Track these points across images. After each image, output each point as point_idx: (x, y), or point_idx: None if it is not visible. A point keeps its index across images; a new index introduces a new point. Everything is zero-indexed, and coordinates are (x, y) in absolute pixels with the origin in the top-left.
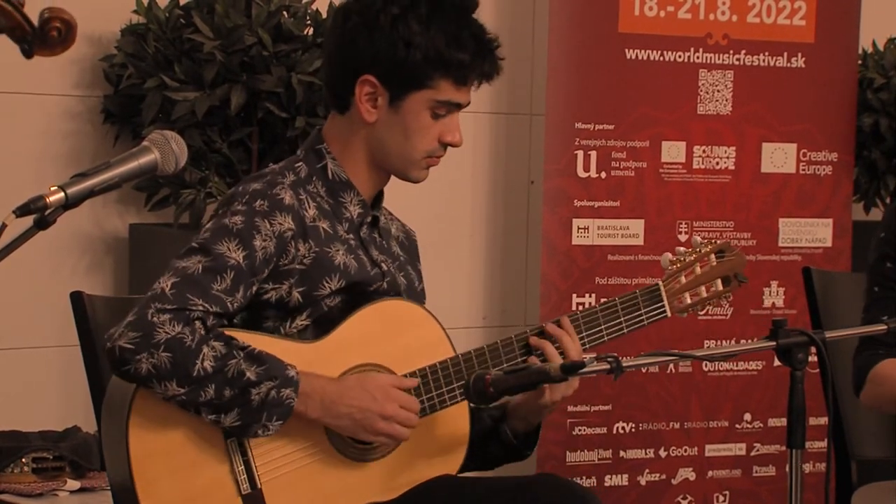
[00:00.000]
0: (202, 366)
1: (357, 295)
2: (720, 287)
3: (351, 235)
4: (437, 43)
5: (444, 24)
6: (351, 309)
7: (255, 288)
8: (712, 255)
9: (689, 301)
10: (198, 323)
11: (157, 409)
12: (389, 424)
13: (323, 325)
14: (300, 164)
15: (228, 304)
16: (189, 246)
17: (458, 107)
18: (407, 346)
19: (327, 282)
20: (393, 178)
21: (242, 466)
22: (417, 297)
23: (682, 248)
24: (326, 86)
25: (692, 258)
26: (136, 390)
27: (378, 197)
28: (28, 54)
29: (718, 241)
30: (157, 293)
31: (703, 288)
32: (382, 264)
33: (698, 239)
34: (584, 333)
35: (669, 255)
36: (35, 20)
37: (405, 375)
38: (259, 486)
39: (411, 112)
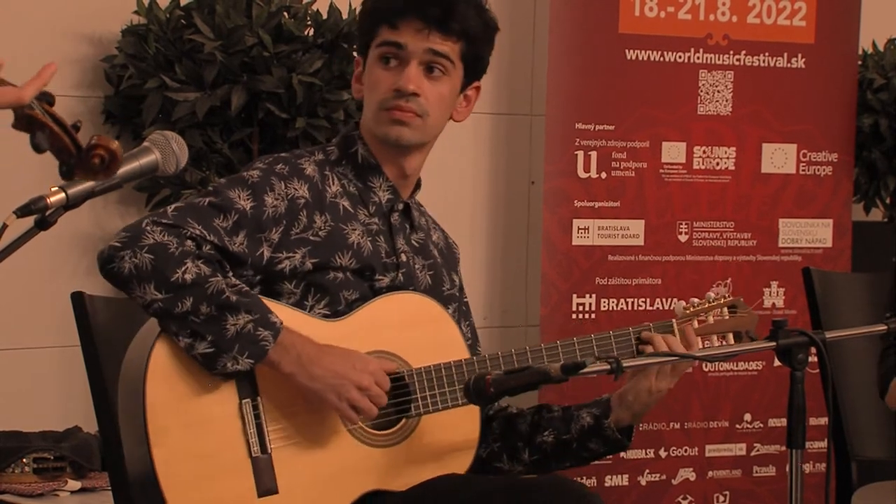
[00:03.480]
0: (182, 276)
1: (370, 284)
2: (731, 341)
3: (375, 220)
4: None
5: None
6: (368, 297)
7: (266, 250)
8: (725, 309)
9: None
10: (189, 241)
11: (175, 364)
12: (361, 396)
13: (341, 314)
14: (332, 148)
15: (227, 241)
16: (203, 189)
17: (397, 46)
18: (422, 340)
19: (339, 257)
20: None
21: (254, 429)
22: (441, 299)
23: (696, 300)
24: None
25: (706, 307)
26: (156, 340)
27: (415, 189)
28: (67, 176)
29: (731, 297)
30: (159, 212)
31: (714, 338)
32: (403, 255)
33: (712, 294)
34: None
35: (683, 304)
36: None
37: (418, 369)
38: (269, 450)
39: (369, 70)
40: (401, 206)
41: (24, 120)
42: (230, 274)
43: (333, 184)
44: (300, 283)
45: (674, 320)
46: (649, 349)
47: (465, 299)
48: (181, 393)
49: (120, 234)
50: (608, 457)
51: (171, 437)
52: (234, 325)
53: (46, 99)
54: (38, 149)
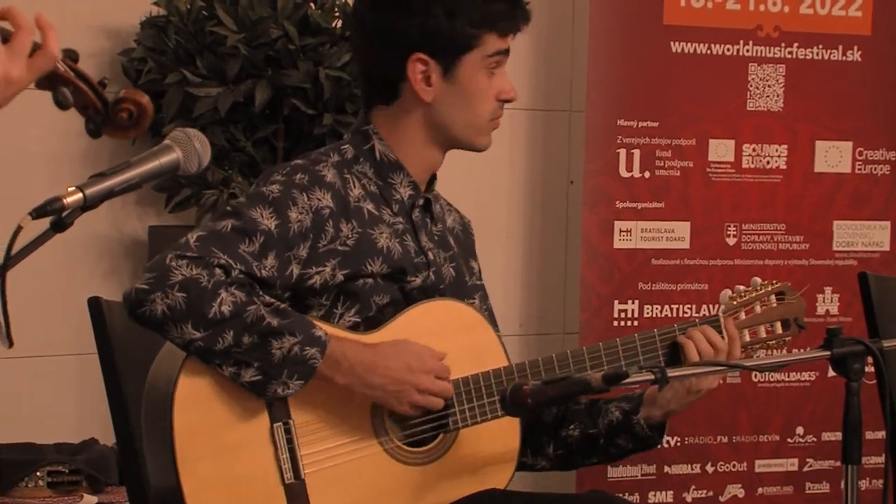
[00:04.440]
0: (219, 308)
1: (401, 286)
2: (779, 330)
3: (399, 219)
4: (475, 2)
5: None
6: (401, 311)
7: (295, 268)
8: (773, 296)
9: (748, 339)
10: (218, 270)
11: (203, 387)
12: (424, 397)
13: (373, 323)
14: (346, 146)
15: (255, 267)
16: (222, 210)
17: (507, 54)
18: (461, 349)
19: (370, 264)
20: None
21: (287, 454)
22: (465, 290)
23: (741, 287)
24: (368, 79)
25: (752, 296)
26: (182, 365)
27: (431, 181)
28: (94, 134)
29: (779, 283)
30: (181, 243)
31: (762, 328)
32: (429, 252)
33: (758, 280)
34: (641, 357)
35: (729, 292)
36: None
37: (455, 381)
38: (303, 476)
39: (468, 77)
40: (421, 202)
41: (47, 77)
42: (262, 294)
43: (355, 186)
44: (330, 296)
45: (720, 315)
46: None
47: (481, 282)
48: (210, 419)
49: (145, 274)
50: (651, 473)
51: (200, 467)
52: (280, 349)
53: (70, 55)
54: (62, 105)
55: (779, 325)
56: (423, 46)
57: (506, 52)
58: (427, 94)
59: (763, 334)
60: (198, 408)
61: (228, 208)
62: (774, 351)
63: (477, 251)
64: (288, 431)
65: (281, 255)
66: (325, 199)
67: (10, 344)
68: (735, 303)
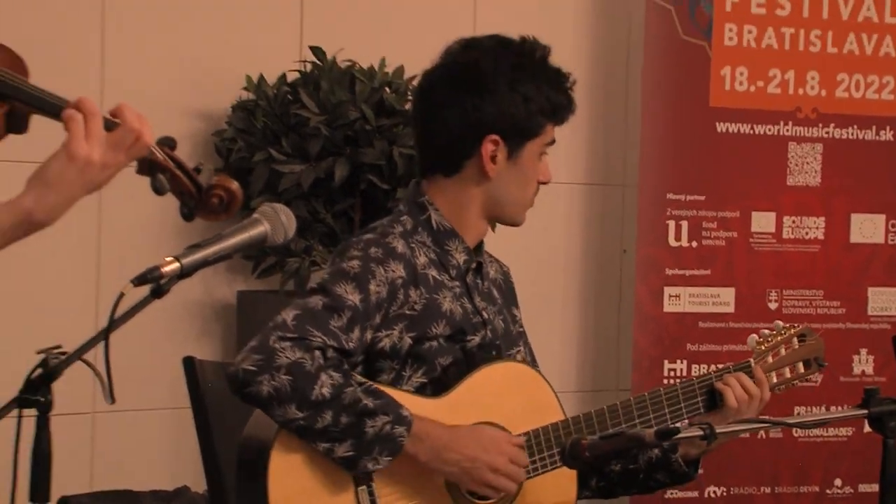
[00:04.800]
0: (320, 391)
1: (462, 346)
2: (801, 370)
3: (457, 283)
4: (548, 94)
5: (545, 75)
6: (464, 371)
7: (369, 334)
8: (795, 339)
9: (774, 380)
10: (317, 352)
11: (295, 458)
12: (497, 477)
13: (438, 385)
14: (405, 217)
15: (344, 341)
16: (310, 287)
17: (554, 143)
18: (521, 407)
19: (434, 327)
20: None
21: None
22: (512, 339)
23: (766, 331)
24: (433, 151)
25: (778, 339)
26: (276, 437)
27: (479, 245)
28: (188, 218)
29: (799, 325)
30: (279, 323)
31: (787, 369)
32: (483, 312)
33: (780, 323)
34: (683, 404)
35: (756, 337)
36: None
37: (518, 436)
38: None
39: (528, 161)
40: (474, 265)
41: (146, 164)
42: (351, 372)
43: (420, 255)
44: (399, 360)
45: (752, 360)
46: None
47: (523, 329)
48: (301, 487)
49: (250, 355)
50: None
51: None
52: (372, 428)
53: (168, 143)
54: (158, 191)
55: (801, 365)
56: (498, 129)
57: (554, 141)
58: (492, 172)
59: (788, 374)
60: (290, 477)
61: (315, 285)
62: (794, 384)
63: (526, 317)
64: (371, 494)
65: (363, 327)
66: (399, 269)
67: (113, 400)
68: (763, 348)
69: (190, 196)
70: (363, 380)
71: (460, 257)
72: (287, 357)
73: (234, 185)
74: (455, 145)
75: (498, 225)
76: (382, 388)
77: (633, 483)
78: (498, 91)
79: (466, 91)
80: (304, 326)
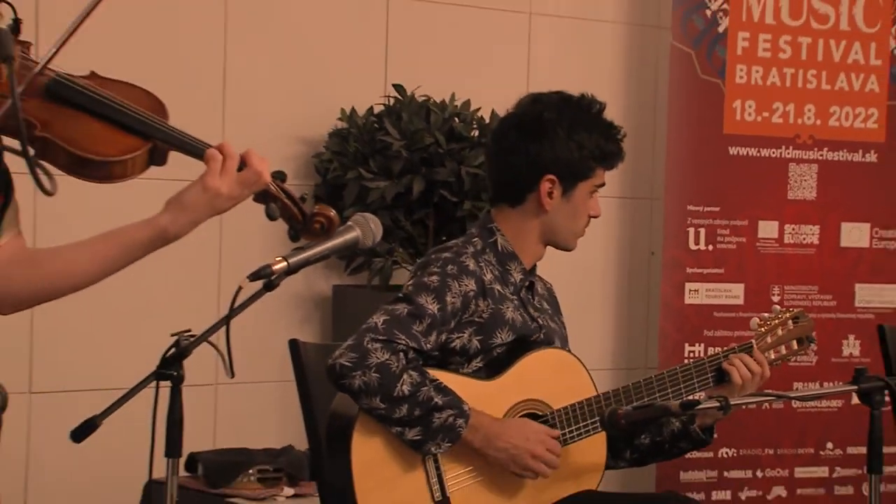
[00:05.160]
0: (401, 389)
1: (522, 344)
2: (795, 346)
3: (514, 297)
4: (599, 143)
5: (599, 126)
6: (515, 355)
7: (443, 337)
8: (790, 321)
9: (772, 356)
10: (401, 354)
11: (374, 430)
12: (536, 462)
13: (493, 367)
14: (476, 238)
15: (423, 343)
16: (396, 296)
17: (604, 185)
18: (561, 386)
19: (499, 332)
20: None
21: (436, 479)
22: (564, 340)
23: (766, 314)
24: (502, 185)
25: (775, 322)
26: (357, 416)
27: (534, 266)
28: (294, 239)
29: (794, 309)
30: (372, 326)
31: (783, 347)
32: (539, 319)
33: (778, 307)
34: (696, 380)
35: (757, 320)
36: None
37: (560, 410)
38: (448, 495)
39: (579, 198)
40: (527, 284)
41: (262, 194)
42: (425, 369)
43: (487, 272)
44: (465, 356)
45: (753, 341)
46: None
47: (565, 331)
48: (378, 457)
49: (347, 353)
50: (713, 477)
51: (372, 495)
52: (439, 419)
53: (279, 176)
54: (271, 217)
55: (794, 342)
56: (555, 170)
57: (604, 184)
58: (548, 206)
59: (784, 351)
60: (369, 445)
61: (401, 295)
62: (793, 360)
63: (571, 308)
64: (436, 461)
65: (439, 331)
66: (470, 284)
67: (233, 374)
68: (763, 329)
69: (297, 222)
70: (435, 377)
71: (517, 276)
72: (377, 357)
73: (332, 213)
74: (519, 182)
75: None
76: (447, 378)
77: (660, 452)
78: (557, 139)
79: (531, 138)
80: (391, 330)
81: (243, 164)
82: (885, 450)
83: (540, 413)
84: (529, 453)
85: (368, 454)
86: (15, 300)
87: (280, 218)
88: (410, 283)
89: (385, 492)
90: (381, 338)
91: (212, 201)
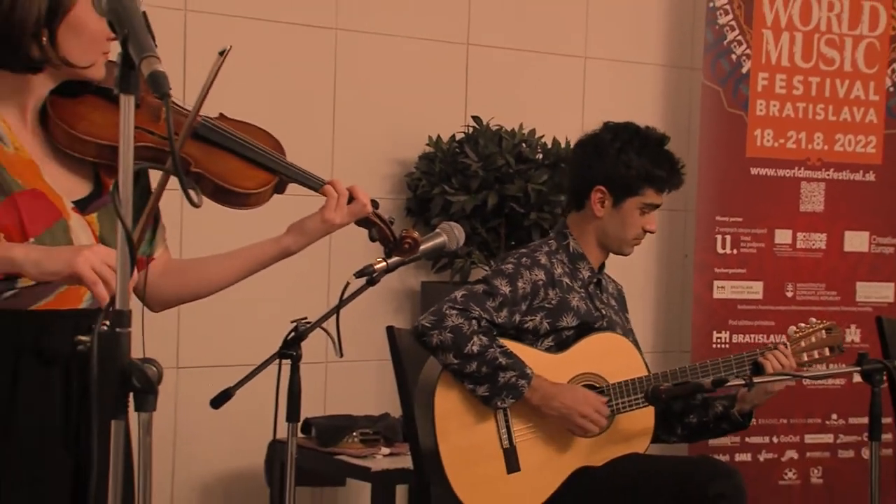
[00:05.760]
0: (471, 348)
1: (585, 329)
2: (827, 353)
3: (582, 291)
4: (646, 165)
5: (650, 152)
6: (580, 336)
7: (517, 317)
8: (823, 331)
9: (805, 359)
10: (474, 321)
11: (452, 387)
12: (585, 421)
13: (561, 345)
14: (552, 241)
15: (495, 316)
16: (477, 279)
17: (657, 207)
18: (617, 365)
19: (566, 317)
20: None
21: (505, 430)
22: (627, 333)
23: (802, 324)
24: (571, 193)
25: (810, 331)
26: (440, 376)
27: (601, 266)
28: (387, 255)
29: (828, 322)
30: (452, 298)
31: (815, 352)
32: (602, 310)
33: (814, 319)
34: (735, 370)
35: (794, 327)
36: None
37: (614, 384)
38: (514, 443)
39: (628, 211)
40: (595, 280)
41: (364, 221)
42: (497, 337)
43: (558, 266)
44: (537, 336)
45: (787, 342)
46: (769, 367)
47: (630, 327)
48: (457, 407)
49: (428, 316)
50: (737, 442)
51: (451, 435)
52: (503, 378)
53: (375, 204)
54: (372, 239)
55: (827, 350)
56: (605, 182)
57: (657, 205)
58: (599, 212)
59: (817, 356)
60: (449, 400)
61: (481, 278)
62: (824, 365)
63: (629, 311)
64: (505, 413)
65: (510, 309)
66: (540, 275)
67: (342, 354)
68: (798, 335)
69: (389, 242)
70: (504, 343)
71: (585, 274)
72: (452, 321)
73: (416, 234)
74: (578, 189)
75: None
76: (518, 348)
77: (706, 431)
78: (607, 156)
79: (588, 154)
80: (468, 303)
81: (351, 198)
82: (882, 420)
83: (597, 385)
84: (579, 413)
85: (449, 404)
86: (164, 303)
87: (378, 239)
88: (490, 270)
89: (462, 434)
90: (458, 307)
91: (327, 228)
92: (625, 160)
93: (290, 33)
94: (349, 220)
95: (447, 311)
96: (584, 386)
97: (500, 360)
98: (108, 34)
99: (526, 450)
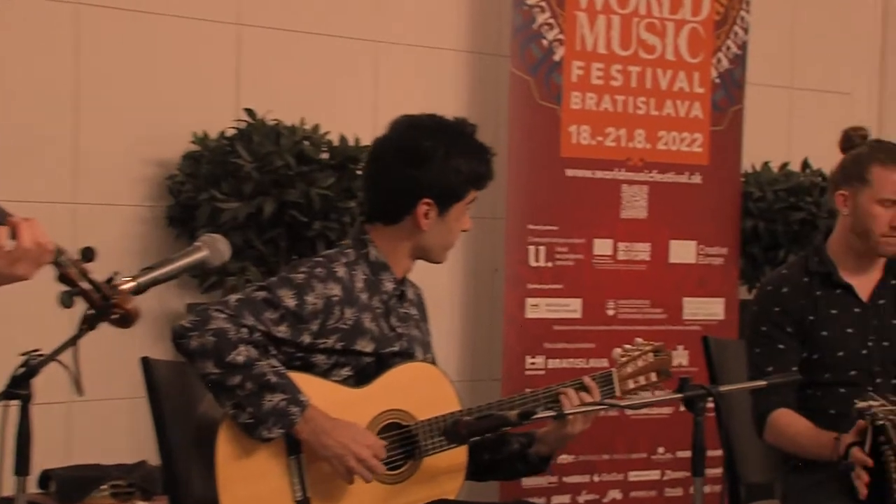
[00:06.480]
0: (235, 357)
1: (385, 357)
2: (654, 378)
3: (381, 306)
4: (474, 167)
5: (473, 152)
6: (383, 367)
7: (305, 338)
8: (651, 353)
9: (631, 386)
10: (244, 329)
11: (239, 432)
12: (359, 465)
13: (362, 376)
14: (349, 250)
15: (272, 329)
16: (259, 284)
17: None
18: (427, 399)
19: (360, 340)
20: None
21: (298, 479)
22: (426, 346)
23: (628, 346)
24: (378, 205)
25: (636, 353)
26: (224, 417)
27: (404, 277)
28: (91, 322)
29: (655, 343)
30: (223, 301)
31: (642, 377)
32: (398, 329)
33: (640, 340)
34: (544, 404)
35: (619, 350)
36: None
37: (423, 422)
38: (308, 496)
39: (454, 218)
40: (398, 293)
41: (60, 277)
42: (273, 354)
43: (358, 281)
44: (332, 357)
45: (613, 370)
46: (567, 404)
47: (429, 338)
48: (243, 452)
49: (191, 317)
50: (554, 482)
51: (234, 486)
52: (270, 402)
53: (86, 255)
54: (65, 306)
55: (654, 375)
56: (433, 193)
57: (474, 199)
58: (425, 226)
59: (643, 382)
60: (234, 443)
61: (263, 284)
62: (649, 393)
63: (429, 318)
64: (299, 462)
65: (294, 326)
66: (336, 289)
67: (81, 393)
68: (624, 359)
69: (95, 306)
70: (278, 364)
71: (389, 286)
72: (217, 324)
73: (132, 307)
74: (396, 204)
75: None
76: (309, 381)
77: (498, 470)
78: (434, 166)
79: (409, 164)
80: (242, 310)
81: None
82: (710, 453)
83: (403, 423)
84: (354, 456)
85: (234, 448)
86: None
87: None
88: (277, 276)
89: (248, 484)
90: (228, 311)
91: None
92: (454, 166)
93: (23, 8)
94: (22, 270)
95: (214, 314)
96: (390, 424)
97: (270, 377)
98: None
99: (322, 501)
